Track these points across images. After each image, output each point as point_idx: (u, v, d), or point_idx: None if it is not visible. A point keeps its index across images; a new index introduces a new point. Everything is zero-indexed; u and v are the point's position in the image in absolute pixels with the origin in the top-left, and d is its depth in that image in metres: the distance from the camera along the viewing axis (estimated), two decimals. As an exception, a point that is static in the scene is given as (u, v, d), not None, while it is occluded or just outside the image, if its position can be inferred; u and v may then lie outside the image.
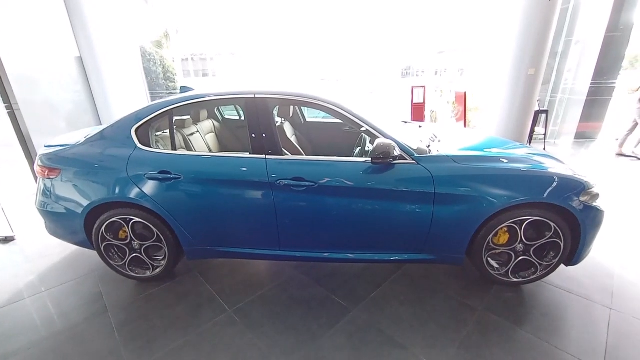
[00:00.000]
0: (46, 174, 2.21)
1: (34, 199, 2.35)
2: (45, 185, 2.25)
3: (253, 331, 1.89)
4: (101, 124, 5.07)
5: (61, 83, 4.89)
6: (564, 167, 2.08)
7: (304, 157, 2.36)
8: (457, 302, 2.08)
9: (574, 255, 2.00)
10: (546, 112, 5.91)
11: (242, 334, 1.88)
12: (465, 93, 6.32)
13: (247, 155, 2.04)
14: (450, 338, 1.80)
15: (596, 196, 1.95)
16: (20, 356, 1.78)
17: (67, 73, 4.97)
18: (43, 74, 4.61)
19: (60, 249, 2.83)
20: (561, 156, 2.41)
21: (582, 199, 1.88)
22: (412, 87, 6.37)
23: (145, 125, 2.15)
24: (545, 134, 6.02)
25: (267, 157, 2.00)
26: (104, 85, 5.15)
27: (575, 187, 1.90)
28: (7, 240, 3.06)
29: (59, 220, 2.29)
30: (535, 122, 5.50)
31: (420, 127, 2.82)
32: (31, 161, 4.22)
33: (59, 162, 2.20)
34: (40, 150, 2.35)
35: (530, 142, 5.62)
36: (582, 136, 6.59)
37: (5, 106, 3.96)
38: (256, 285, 2.31)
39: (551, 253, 2.02)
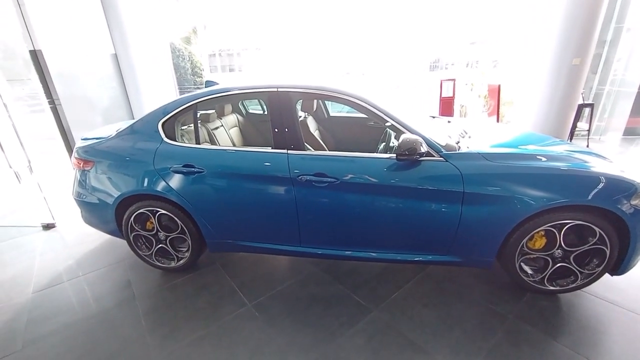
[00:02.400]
0: (81, 165, 2.33)
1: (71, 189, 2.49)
2: (80, 176, 2.37)
3: (272, 326, 1.89)
4: (133, 118, 5.31)
5: (98, 79, 5.16)
6: (612, 167, 1.89)
7: (327, 152, 2.31)
8: (485, 308, 1.96)
9: (620, 264, 1.82)
10: (591, 105, 5.44)
11: (261, 328, 1.88)
12: (499, 86, 5.95)
13: (269, 149, 2.03)
14: (476, 346, 1.70)
15: (650, 200, 1.75)
16: (56, 337, 1.90)
17: (104, 70, 5.24)
18: (82, 71, 4.89)
19: (96, 237, 3.00)
20: (608, 154, 2.19)
21: (633, 202, 1.69)
22: (441, 81, 6.08)
23: (171, 119, 2.19)
24: (589, 130, 5.55)
25: (289, 152, 1.97)
26: (137, 81, 5.37)
27: (626, 188, 1.71)
28: (49, 227, 3.28)
29: (92, 210, 2.41)
30: (578, 117, 5.08)
31: (449, 122, 2.67)
32: (71, 153, 4.50)
33: (93, 155, 2.31)
34: (77, 143, 2.48)
35: (571, 139, 5.21)
36: (632, 132, 6.01)
37: (48, 101, 4.24)
38: (276, 281, 2.31)
39: (594, 260, 1.85)
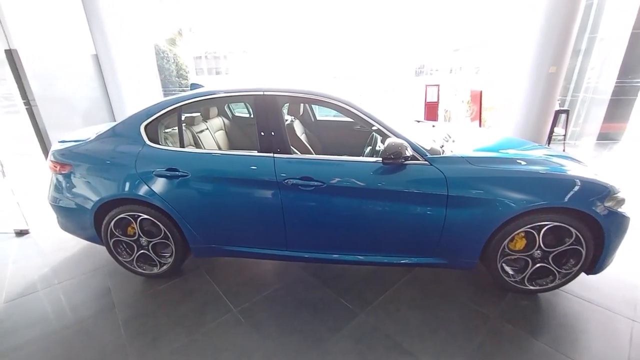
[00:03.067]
0: (58, 169, 2.24)
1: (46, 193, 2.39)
2: (57, 180, 2.28)
3: (258, 332, 1.86)
4: (115, 121, 5.16)
5: (78, 80, 4.99)
6: (587, 170, 1.97)
7: (313, 156, 2.31)
8: (468, 308, 2.00)
9: (595, 264, 1.89)
10: (567, 111, 5.68)
11: (247, 334, 1.85)
12: (480, 92, 6.14)
13: (255, 153, 2.01)
14: (461, 346, 1.72)
15: (622, 201, 1.84)
16: (30, 349, 1.80)
17: (84, 70, 5.07)
18: (60, 71, 4.72)
19: (73, 243, 2.88)
20: (583, 158, 2.28)
21: (606, 204, 1.77)
22: (426, 86, 6.23)
23: (154, 122, 2.15)
24: (565, 135, 5.79)
25: (275, 155, 1.96)
26: (119, 82, 5.24)
27: (600, 191, 1.79)
28: (22, 233, 3.13)
29: (69, 215, 2.32)
30: (555, 122, 5.29)
31: (433, 126, 2.73)
32: (47, 156, 4.32)
33: (71, 158, 2.22)
34: (54, 146, 2.38)
35: (549, 143, 5.41)
36: (605, 137, 6.30)
37: (24, 102, 4.06)
38: (262, 285, 2.28)
39: (571, 260, 1.92)
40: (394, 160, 1.77)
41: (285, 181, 1.91)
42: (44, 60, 4.44)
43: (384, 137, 1.93)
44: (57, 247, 2.88)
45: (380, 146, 2.28)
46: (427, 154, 1.87)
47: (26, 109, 4.14)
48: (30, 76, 4.11)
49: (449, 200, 1.82)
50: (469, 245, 1.92)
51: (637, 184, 4.02)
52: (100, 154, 2.17)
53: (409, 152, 1.79)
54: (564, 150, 5.36)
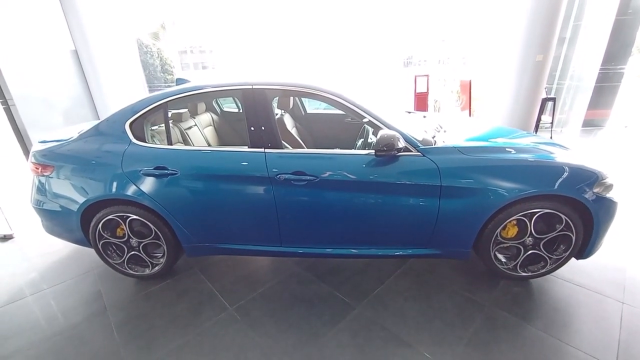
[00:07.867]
0: (40, 171, 2.16)
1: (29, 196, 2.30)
2: (39, 182, 2.20)
3: (254, 330, 1.85)
4: (99, 118, 5.01)
5: (57, 77, 4.81)
6: (574, 157, 1.99)
7: (305, 150, 2.29)
8: (463, 297, 2.02)
9: (585, 248, 1.93)
10: (553, 99, 5.76)
11: (243, 332, 1.84)
12: (470, 81, 6.16)
13: (245, 149, 1.97)
14: (457, 335, 1.74)
15: (610, 187, 1.87)
16: (20, 357, 1.75)
17: (63, 67, 4.89)
18: (38, 68, 4.53)
19: (60, 247, 2.80)
20: (570, 145, 2.31)
21: (595, 190, 1.80)
22: (415, 76, 6.22)
23: (140, 119, 2.08)
24: (552, 122, 5.88)
25: (267, 150, 1.92)
26: (100, 78, 5.07)
27: (588, 177, 1.82)
28: (6, 238, 3.03)
29: (54, 218, 2.24)
30: (542, 110, 5.36)
31: (424, 117, 2.72)
32: (28, 157, 4.18)
33: (53, 159, 2.14)
34: (34, 147, 2.29)
35: (536, 131, 5.49)
36: (590, 124, 6.44)
37: (1, 101, 3.90)
38: (257, 282, 2.26)
39: (561, 246, 1.95)
40: (386, 152, 1.75)
41: (278, 176, 1.88)
42: (20, 58, 4.25)
43: (376, 129, 1.91)
44: (43, 251, 2.79)
45: (372, 138, 2.26)
46: (420, 145, 1.86)
47: (4, 108, 3.98)
48: (7, 74, 3.94)
49: (442, 191, 1.82)
50: (463, 235, 1.93)
51: (621, 170, 4.13)
52: (84, 154, 2.09)
53: (402, 144, 1.78)
54: (551, 138, 5.46)
